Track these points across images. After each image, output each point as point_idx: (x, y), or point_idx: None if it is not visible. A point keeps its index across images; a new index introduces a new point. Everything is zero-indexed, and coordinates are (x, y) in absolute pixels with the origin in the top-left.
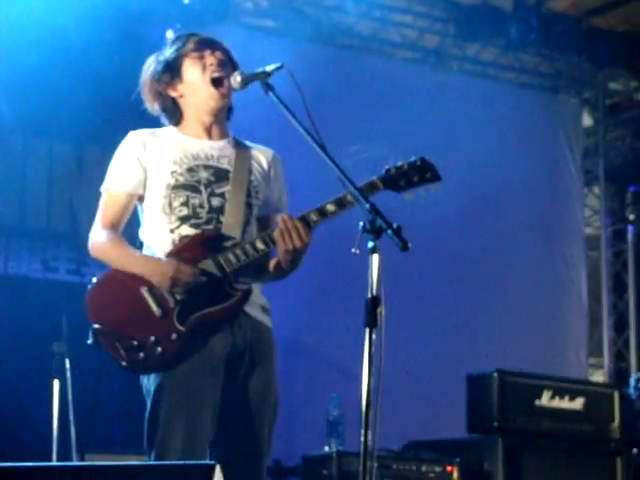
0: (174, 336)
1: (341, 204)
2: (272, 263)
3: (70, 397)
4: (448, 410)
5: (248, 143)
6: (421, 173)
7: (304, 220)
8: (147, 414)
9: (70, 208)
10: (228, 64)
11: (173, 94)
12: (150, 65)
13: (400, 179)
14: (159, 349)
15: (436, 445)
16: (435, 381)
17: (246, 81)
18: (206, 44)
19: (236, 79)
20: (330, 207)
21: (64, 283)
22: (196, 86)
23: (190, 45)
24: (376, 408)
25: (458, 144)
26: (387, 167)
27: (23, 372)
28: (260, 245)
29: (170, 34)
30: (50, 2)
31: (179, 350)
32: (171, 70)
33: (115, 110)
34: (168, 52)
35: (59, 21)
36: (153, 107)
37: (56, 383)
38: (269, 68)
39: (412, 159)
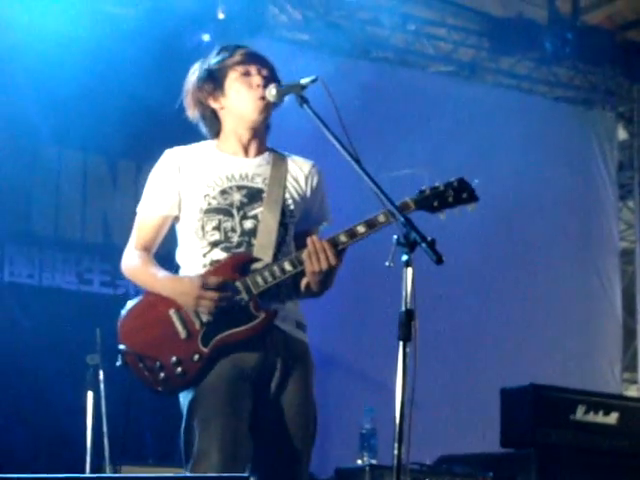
0: (196, 357)
1: (372, 225)
2: (303, 283)
3: (104, 409)
4: (481, 424)
5: (286, 155)
6: (457, 194)
7: (333, 242)
8: (182, 427)
9: (104, 220)
10: (273, 81)
11: (213, 105)
12: (195, 72)
13: (434, 200)
14: (179, 369)
15: (469, 459)
16: (468, 395)
17: (281, 94)
18: (253, 59)
19: (271, 92)
20: (360, 228)
21: (98, 295)
22: (239, 102)
23: (237, 57)
24: (409, 422)
25: (491, 157)
26: (422, 188)
27: (57, 384)
28: (288, 267)
29: (207, 37)
30: (87, 19)
31: (200, 371)
32: (214, 80)
33: (149, 124)
34: (213, 61)
35: (96, 37)
36: (193, 114)
37: (90, 395)
38: (304, 81)
39: (451, 180)
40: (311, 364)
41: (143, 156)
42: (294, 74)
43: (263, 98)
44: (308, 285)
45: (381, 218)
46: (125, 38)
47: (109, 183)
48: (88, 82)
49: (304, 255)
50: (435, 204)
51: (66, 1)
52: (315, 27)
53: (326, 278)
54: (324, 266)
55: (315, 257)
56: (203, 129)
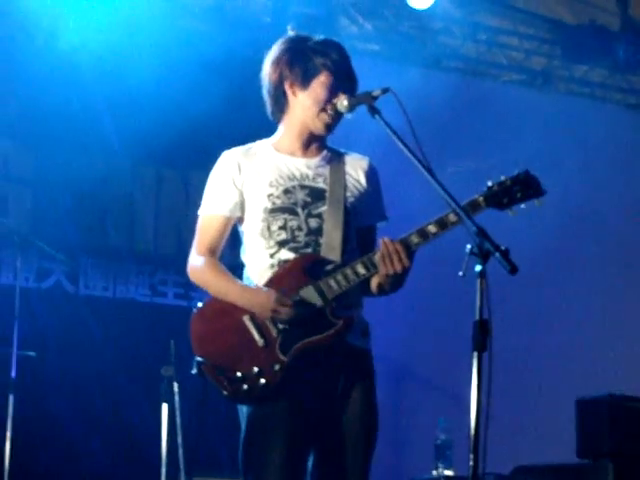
0: (277, 367)
1: (443, 225)
2: (375, 282)
3: (178, 420)
4: (557, 434)
5: (343, 152)
6: (524, 188)
7: (405, 243)
8: (242, 437)
9: (177, 233)
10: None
11: (289, 89)
12: (291, 44)
13: (503, 196)
14: (262, 380)
15: (545, 470)
16: (544, 405)
17: (353, 104)
18: (344, 77)
19: (342, 103)
20: (432, 228)
21: (172, 307)
22: (310, 107)
23: (333, 65)
24: (485, 432)
25: (564, 165)
26: (489, 184)
27: (132, 396)
28: (361, 270)
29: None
30: (161, 36)
31: (282, 380)
32: (304, 71)
33: (221, 136)
34: (311, 49)
35: (168, 52)
36: (265, 80)
37: (164, 407)
38: (375, 91)
39: (515, 173)
40: (373, 373)
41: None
42: (365, 85)
43: (329, 115)
44: (378, 285)
45: (451, 217)
46: (196, 58)
47: (182, 195)
48: (160, 96)
49: (377, 257)
50: (505, 201)
51: (135, 15)
52: (386, 38)
53: (399, 279)
54: (398, 268)
55: (389, 260)
56: (267, 103)
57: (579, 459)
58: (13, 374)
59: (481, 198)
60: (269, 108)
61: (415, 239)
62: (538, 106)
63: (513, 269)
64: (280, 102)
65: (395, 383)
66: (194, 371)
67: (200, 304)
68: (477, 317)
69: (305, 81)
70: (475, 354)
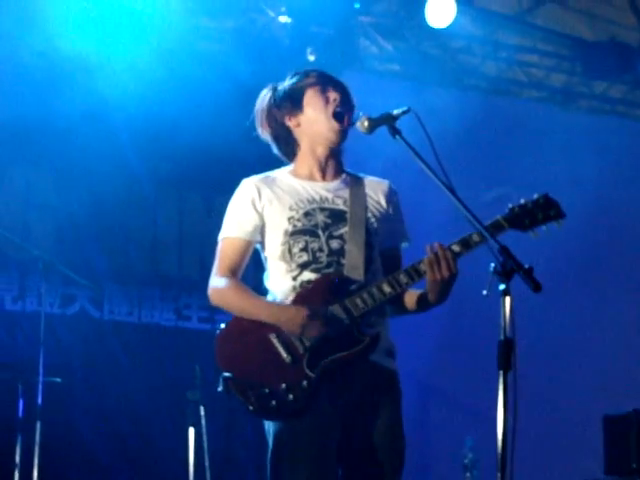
0: (305, 383)
1: (467, 244)
2: (412, 297)
3: (205, 444)
4: (585, 451)
5: (362, 176)
6: (545, 210)
7: (451, 251)
8: (269, 455)
9: (201, 256)
10: (348, 103)
11: (289, 123)
12: (267, 93)
13: (525, 218)
14: (291, 396)
15: None
16: (571, 422)
17: (373, 125)
18: (328, 80)
19: (363, 124)
20: (455, 247)
21: (196, 331)
22: (317, 117)
23: (312, 79)
24: (512, 451)
25: (585, 182)
26: (511, 206)
27: (158, 420)
28: (387, 288)
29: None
30: (182, 61)
31: (310, 397)
32: (292, 99)
33: (243, 160)
34: (287, 83)
35: (189, 77)
36: (265, 134)
37: (191, 430)
38: (396, 112)
39: (535, 196)
40: (399, 393)
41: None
42: (386, 105)
43: (341, 113)
44: (419, 300)
45: (475, 237)
46: (220, 85)
47: (204, 219)
48: (181, 119)
49: (424, 264)
50: (526, 222)
51: (156, 41)
52: (406, 58)
53: (446, 288)
54: (446, 274)
55: (437, 265)
56: (276, 150)
57: (606, 476)
58: (39, 401)
59: (503, 219)
60: (282, 153)
61: (457, 248)
62: (559, 123)
63: (537, 287)
64: (289, 140)
65: (422, 402)
66: (220, 388)
67: (223, 325)
68: (502, 336)
69: (297, 105)
70: (501, 373)
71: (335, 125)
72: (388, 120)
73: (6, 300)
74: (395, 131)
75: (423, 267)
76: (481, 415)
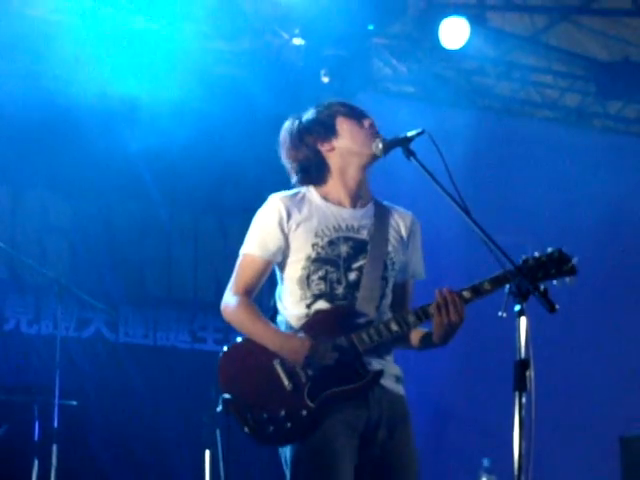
0: (304, 412)
1: (476, 291)
2: (417, 336)
3: (222, 467)
4: (602, 472)
5: (387, 205)
6: (559, 265)
7: (461, 297)
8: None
9: (216, 278)
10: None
11: (322, 148)
12: (294, 121)
13: (537, 270)
14: (289, 424)
15: None
16: (587, 443)
17: (387, 147)
18: (358, 110)
19: (377, 146)
20: (487, 285)
21: (212, 353)
22: (352, 139)
23: (340, 107)
24: (528, 473)
25: (602, 202)
26: (524, 257)
27: (174, 443)
28: (394, 327)
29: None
30: (196, 84)
31: (307, 426)
32: (324, 125)
33: (258, 183)
34: (314, 111)
35: (203, 99)
36: (292, 161)
37: (207, 454)
38: (410, 134)
39: (549, 250)
40: (409, 417)
41: (252, 214)
42: (400, 126)
43: (376, 135)
44: (423, 339)
45: (487, 286)
46: (235, 108)
47: (220, 241)
48: (196, 144)
49: (433, 307)
50: (539, 275)
51: (170, 63)
52: (420, 79)
53: (451, 332)
54: (454, 319)
55: (445, 310)
56: (296, 179)
57: None
58: (55, 424)
59: (516, 270)
60: (311, 178)
61: (467, 295)
62: (573, 143)
63: (552, 308)
64: (321, 165)
65: (437, 424)
66: (219, 408)
67: (225, 347)
68: (518, 356)
69: (331, 130)
70: (517, 394)
71: (377, 143)
72: (402, 142)
73: (22, 323)
74: (409, 153)
75: (432, 310)
76: (498, 436)
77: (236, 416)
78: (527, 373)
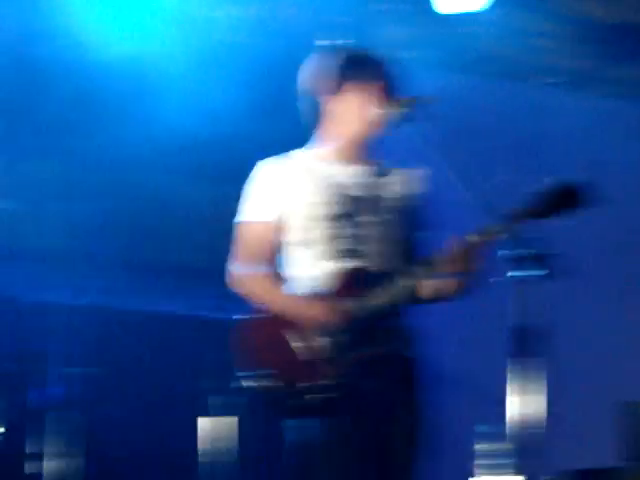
0: (325, 381)
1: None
2: (429, 288)
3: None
4: (599, 437)
5: (388, 164)
6: (563, 198)
7: (468, 242)
8: (294, 462)
9: (211, 245)
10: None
11: (325, 101)
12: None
13: (541, 206)
14: (309, 396)
15: (588, 474)
16: (584, 408)
17: (388, 114)
18: (369, 70)
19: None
20: (496, 228)
21: (208, 320)
22: (359, 104)
23: (349, 71)
24: (525, 438)
25: (612, 167)
26: (526, 194)
27: (170, 410)
28: (407, 281)
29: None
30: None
31: (330, 395)
32: (329, 86)
33: (254, 147)
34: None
35: (204, 66)
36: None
37: (200, 420)
38: (409, 99)
39: (551, 183)
40: (417, 379)
41: None
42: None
43: (377, 115)
44: (437, 290)
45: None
46: (232, 67)
47: (214, 208)
48: (195, 110)
49: (441, 257)
50: (543, 210)
51: (168, 34)
52: (418, 44)
53: (462, 282)
54: (463, 268)
55: (454, 259)
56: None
57: (622, 462)
58: (52, 391)
59: (521, 209)
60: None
61: (476, 238)
62: (577, 108)
63: (547, 274)
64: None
65: (435, 390)
66: (233, 384)
67: (239, 316)
68: (515, 322)
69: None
70: (510, 360)
71: (368, 126)
72: (404, 107)
73: (19, 291)
74: (409, 118)
75: (441, 260)
76: (497, 403)
77: (254, 390)
78: (524, 339)
